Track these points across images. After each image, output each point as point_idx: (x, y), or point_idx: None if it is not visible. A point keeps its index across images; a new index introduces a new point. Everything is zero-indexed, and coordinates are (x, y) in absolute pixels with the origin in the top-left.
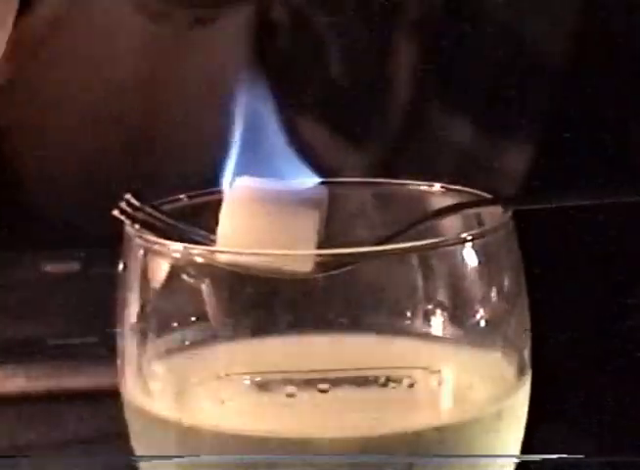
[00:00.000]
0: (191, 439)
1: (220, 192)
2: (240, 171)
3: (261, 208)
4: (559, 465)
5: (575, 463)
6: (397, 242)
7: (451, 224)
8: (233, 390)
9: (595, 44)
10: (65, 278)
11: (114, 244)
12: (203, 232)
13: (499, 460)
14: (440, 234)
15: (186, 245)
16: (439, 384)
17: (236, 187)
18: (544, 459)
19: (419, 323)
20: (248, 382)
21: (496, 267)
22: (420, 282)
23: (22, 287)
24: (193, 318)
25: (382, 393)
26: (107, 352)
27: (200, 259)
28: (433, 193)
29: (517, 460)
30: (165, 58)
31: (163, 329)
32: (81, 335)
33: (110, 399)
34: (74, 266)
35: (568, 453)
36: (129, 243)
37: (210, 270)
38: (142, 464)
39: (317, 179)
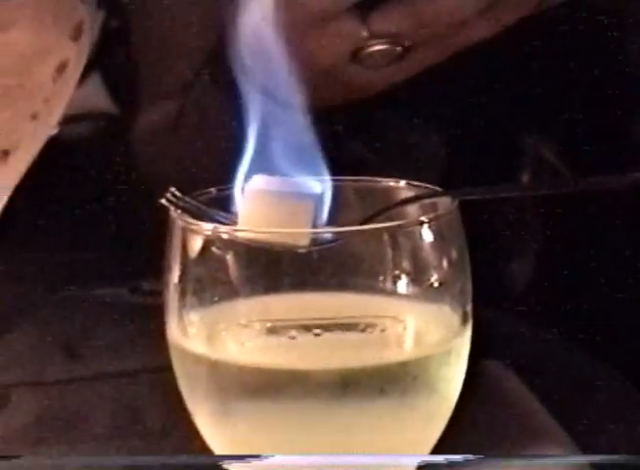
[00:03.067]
0: (218, 371)
1: (241, 186)
2: (258, 169)
3: (271, 198)
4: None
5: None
6: (372, 223)
7: (413, 210)
8: (250, 334)
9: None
10: None
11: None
12: (227, 215)
13: (403, 460)
14: (405, 218)
15: (215, 225)
16: (404, 329)
17: (252, 182)
18: (449, 460)
19: (389, 284)
20: (261, 328)
21: (446, 243)
22: (389, 254)
23: None
24: (220, 280)
25: (361, 336)
26: None
27: (225, 236)
28: (399, 187)
29: (423, 460)
30: None
31: (198, 288)
32: None
33: None
34: None
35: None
36: (173, 224)
37: (233, 244)
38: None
39: (313, 177)
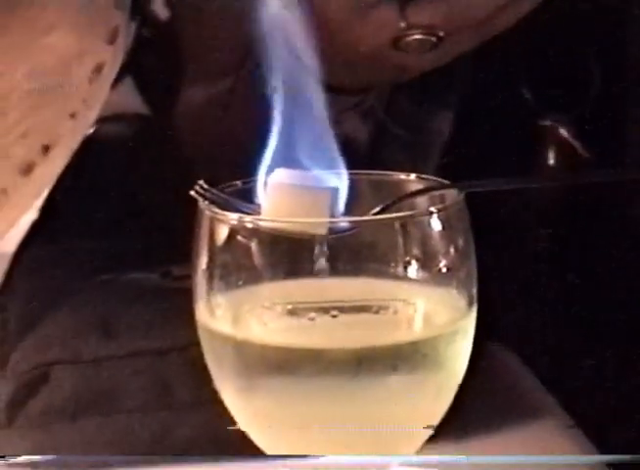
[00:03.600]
0: (243, 349)
1: (264, 179)
2: (280, 162)
3: (292, 190)
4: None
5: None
6: (385, 213)
7: (422, 201)
8: (272, 315)
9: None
10: None
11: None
12: (251, 206)
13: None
14: (415, 208)
15: (240, 215)
16: (414, 311)
17: (274, 175)
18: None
19: (400, 270)
20: (282, 310)
21: (453, 231)
22: (401, 241)
23: None
24: (244, 266)
25: (374, 318)
26: None
27: (249, 225)
28: (409, 180)
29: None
30: None
31: (224, 273)
32: None
33: None
34: None
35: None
36: (201, 214)
37: (257, 233)
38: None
39: (330, 171)
